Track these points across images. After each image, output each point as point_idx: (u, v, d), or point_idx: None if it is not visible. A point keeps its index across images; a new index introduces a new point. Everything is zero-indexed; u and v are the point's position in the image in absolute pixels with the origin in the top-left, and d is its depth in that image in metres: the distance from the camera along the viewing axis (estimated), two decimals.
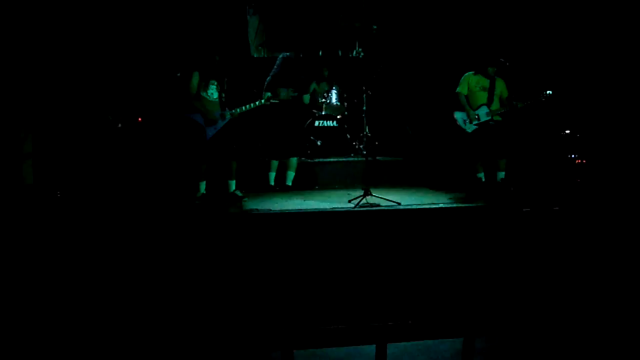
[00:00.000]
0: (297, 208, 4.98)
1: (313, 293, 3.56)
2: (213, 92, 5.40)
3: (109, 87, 6.54)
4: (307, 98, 6.16)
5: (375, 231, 4.51)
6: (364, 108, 5.58)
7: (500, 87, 6.03)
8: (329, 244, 4.25)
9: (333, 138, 7.41)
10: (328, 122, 7.45)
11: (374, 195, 5.15)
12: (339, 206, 5.03)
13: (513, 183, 5.98)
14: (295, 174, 6.13)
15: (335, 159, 6.99)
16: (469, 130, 6.01)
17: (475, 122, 5.96)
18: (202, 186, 5.45)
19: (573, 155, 6.48)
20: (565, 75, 6.71)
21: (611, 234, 4.34)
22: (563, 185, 6.17)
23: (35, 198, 5.38)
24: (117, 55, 6.61)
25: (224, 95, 5.48)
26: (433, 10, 7.71)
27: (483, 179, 6.09)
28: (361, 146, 7.15)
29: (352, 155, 7.30)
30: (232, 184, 5.53)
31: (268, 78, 5.95)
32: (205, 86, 5.35)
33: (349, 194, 5.55)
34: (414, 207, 4.96)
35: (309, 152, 7.05)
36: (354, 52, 8.29)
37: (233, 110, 5.47)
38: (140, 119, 6.70)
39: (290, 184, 6.10)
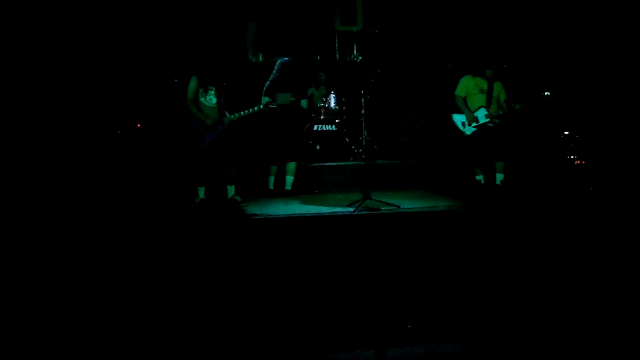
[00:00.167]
0: (296, 213, 4.97)
1: (312, 298, 3.55)
2: (212, 98, 5.41)
3: (107, 93, 6.55)
4: (305, 103, 6.17)
5: (375, 235, 4.51)
6: (363, 112, 5.58)
7: (498, 89, 6.04)
8: (328, 248, 4.24)
9: (332, 142, 7.41)
10: (327, 126, 7.45)
11: (374, 199, 5.15)
12: (339, 210, 5.03)
13: (512, 185, 5.98)
14: (295, 178, 6.13)
15: (334, 163, 6.98)
16: (468, 133, 6.02)
17: (474, 124, 5.97)
18: (201, 192, 5.46)
19: (572, 157, 6.48)
20: (563, 77, 6.72)
21: (611, 235, 4.34)
22: (562, 187, 6.16)
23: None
24: (116, 61, 6.62)
25: (222, 100, 5.49)
26: (431, 13, 7.74)
27: (482, 182, 6.09)
28: (360, 150, 7.16)
29: (351, 159, 7.30)
30: (232, 189, 5.53)
31: (267, 83, 5.96)
32: (204, 92, 5.37)
33: (348, 198, 5.54)
34: (413, 210, 4.96)
35: (308, 156, 7.05)
36: (352, 56, 8.31)
37: (232, 116, 5.47)
38: (139, 125, 6.70)
39: (289, 188, 6.10)
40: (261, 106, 5.58)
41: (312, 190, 6.51)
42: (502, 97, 6.04)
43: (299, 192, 6.22)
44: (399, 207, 5.00)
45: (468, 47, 7.21)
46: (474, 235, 4.50)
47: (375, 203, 5.09)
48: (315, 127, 7.37)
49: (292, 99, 5.83)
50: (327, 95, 7.59)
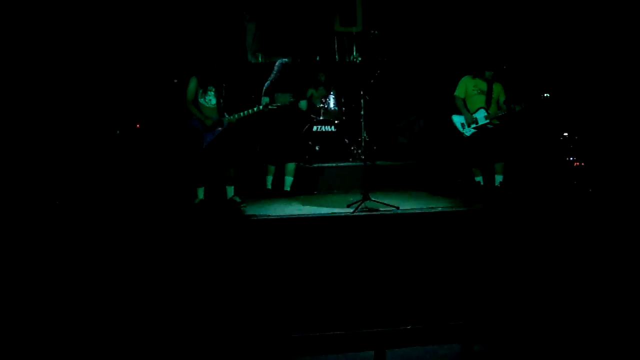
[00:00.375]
0: (296, 213, 4.97)
1: (312, 299, 3.55)
2: (211, 98, 5.41)
3: (106, 93, 6.54)
4: (304, 104, 6.17)
5: (374, 236, 4.51)
6: (362, 113, 5.58)
7: (498, 90, 6.05)
8: (327, 249, 4.24)
9: (331, 143, 7.41)
10: (326, 127, 7.45)
11: (373, 200, 5.15)
12: (338, 211, 5.03)
13: (511, 186, 5.98)
14: (294, 179, 6.13)
15: (333, 164, 6.98)
16: (467, 134, 6.02)
17: (473, 125, 5.97)
18: (201, 192, 5.45)
19: (571, 158, 6.48)
20: (562, 78, 6.72)
21: (610, 237, 4.34)
22: (561, 189, 6.16)
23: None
24: (115, 62, 6.62)
25: (222, 101, 5.49)
26: (431, 14, 7.74)
27: (481, 183, 6.09)
28: (359, 151, 7.16)
29: (351, 160, 7.30)
30: (231, 190, 5.53)
31: (266, 84, 5.96)
32: (203, 92, 5.36)
33: (347, 199, 5.54)
34: (412, 211, 4.95)
35: (307, 157, 7.06)
36: (351, 57, 8.31)
37: (231, 116, 5.47)
38: (138, 126, 6.70)
39: (288, 189, 6.10)
40: (260, 107, 5.59)
41: (312, 191, 6.51)
42: (502, 98, 6.04)
43: (299, 193, 6.23)
44: (398, 208, 5.00)
45: (467, 48, 7.22)
46: (473, 236, 4.50)
47: (374, 204, 5.09)
48: (314, 128, 7.38)
49: (292, 99, 5.83)
50: (326, 96, 7.60)
